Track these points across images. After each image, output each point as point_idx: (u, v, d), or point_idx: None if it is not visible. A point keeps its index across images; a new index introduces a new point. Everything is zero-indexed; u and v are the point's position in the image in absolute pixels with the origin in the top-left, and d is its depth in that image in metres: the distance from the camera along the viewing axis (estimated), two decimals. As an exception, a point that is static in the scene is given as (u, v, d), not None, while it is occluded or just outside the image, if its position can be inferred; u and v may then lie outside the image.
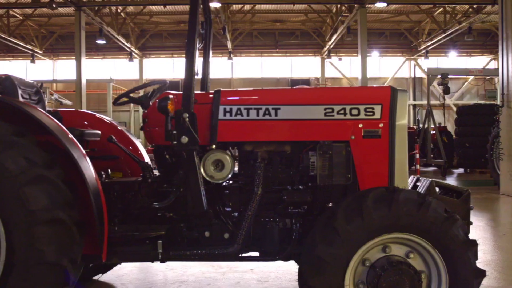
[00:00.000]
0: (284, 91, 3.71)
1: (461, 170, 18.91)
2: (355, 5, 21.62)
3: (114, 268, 4.92)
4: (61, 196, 2.94)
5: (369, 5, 22.17)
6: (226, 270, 5.01)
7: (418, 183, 3.85)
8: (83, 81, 21.53)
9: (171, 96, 3.24)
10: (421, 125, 18.73)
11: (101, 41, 25.21)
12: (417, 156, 12.27)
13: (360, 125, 3.45)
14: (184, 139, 3.28)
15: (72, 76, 22.12)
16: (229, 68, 32.59)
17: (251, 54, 32.70)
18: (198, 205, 3.36)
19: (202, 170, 3.44)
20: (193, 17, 3.38)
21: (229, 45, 28.69)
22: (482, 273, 2.97)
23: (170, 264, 5.12)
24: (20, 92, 3.73)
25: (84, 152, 3.21)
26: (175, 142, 3.26)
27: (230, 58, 30.39)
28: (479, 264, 3.07)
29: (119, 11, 26.02)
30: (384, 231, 2.91)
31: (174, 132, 3.25)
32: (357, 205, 2.90)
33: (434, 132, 17.29)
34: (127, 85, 29.37)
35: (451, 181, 15.39)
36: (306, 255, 2.97)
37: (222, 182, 3.51)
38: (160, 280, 4.77)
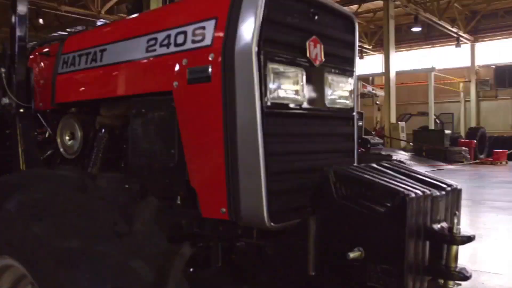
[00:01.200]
0: (115, 24, 2.48)
1: None
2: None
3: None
4: None
5: None
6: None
7: None
8: (392, 73, 20.95)
9: None
10: None
11: (416, 29, 23.93)
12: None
13: (184, 62, 1.97)
14: (4, 101, 2.60)
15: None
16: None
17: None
18: None
19: (58, 141, 2.65)
20: None
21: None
22: None
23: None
24: None
25: None
26: None
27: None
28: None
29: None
30: None
31: None
32: None
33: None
34: (452, 74, 26.98)
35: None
36: None
37: (75, 157, 2.61)
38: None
